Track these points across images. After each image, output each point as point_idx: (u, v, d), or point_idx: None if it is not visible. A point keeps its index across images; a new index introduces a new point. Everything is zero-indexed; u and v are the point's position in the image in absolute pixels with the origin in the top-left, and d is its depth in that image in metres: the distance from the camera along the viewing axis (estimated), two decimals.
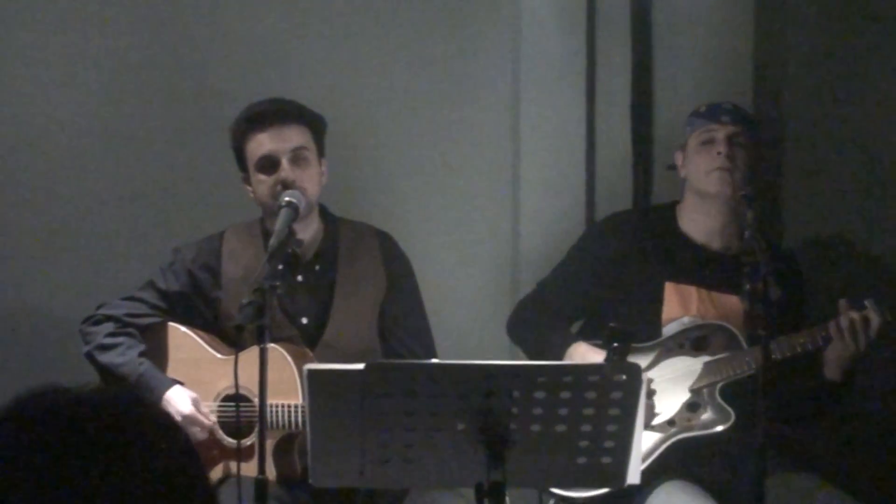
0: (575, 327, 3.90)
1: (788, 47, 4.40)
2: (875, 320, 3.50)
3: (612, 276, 3.77)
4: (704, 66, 4.28)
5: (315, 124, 3.66)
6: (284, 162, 3.57)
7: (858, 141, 4.34)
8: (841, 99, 4.35)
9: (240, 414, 3.46)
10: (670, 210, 3.87)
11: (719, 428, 3.59)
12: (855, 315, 3.50)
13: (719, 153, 3.69)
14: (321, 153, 3.67)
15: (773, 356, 3.41)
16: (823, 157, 4.38)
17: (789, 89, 4.41)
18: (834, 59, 4.35)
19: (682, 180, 3.84)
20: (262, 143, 3.60)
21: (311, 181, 3.60)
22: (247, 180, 3.67)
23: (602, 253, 3.80)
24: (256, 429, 3.23)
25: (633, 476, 2.84)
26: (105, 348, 3.64)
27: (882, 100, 4.31)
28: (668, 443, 3.61)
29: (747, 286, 3.17)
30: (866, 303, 3.53)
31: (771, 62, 4.37)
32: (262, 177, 3.60)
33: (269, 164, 3.59)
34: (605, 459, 2.74)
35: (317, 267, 3.71)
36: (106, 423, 1.46)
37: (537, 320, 3.84)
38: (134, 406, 1.49)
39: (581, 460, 2.74)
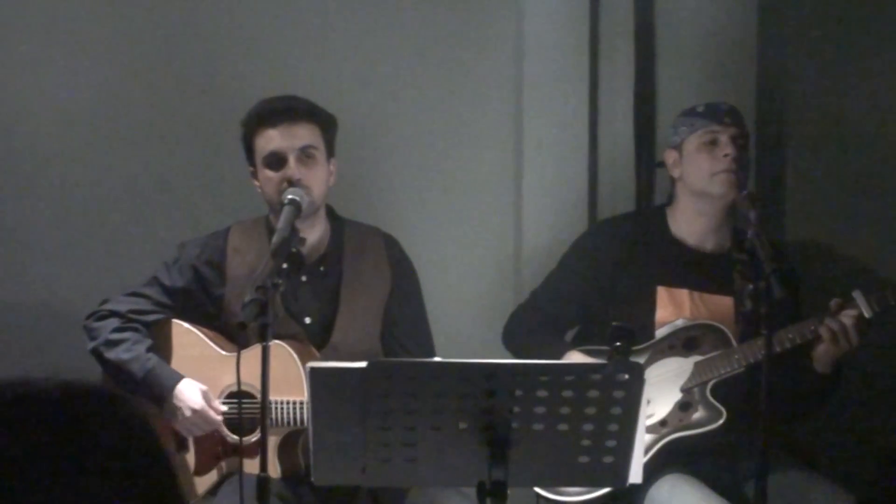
0: (569, 336, 3.91)
1: (791, 47, 4.40)
2: (859, 317, 3.51)
3: (605, 282, 3.78)
4: (707, 66, 4.27)
5: (326, 123, 3.66)
6: (292, 160, 3.57)
7: (861, 140, 4.34)
8: (843, 99, 4.34)
9: (244, 411, 3.47)
10: (660, 213, 3.87)
11: (711, 426, 3.62)
12: (844, 320, 3.51)
13: (726, 155, 3.69)
14: (330, 153, 3.67)
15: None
16: (826, 156, 4.38)
17: (792, 89, 4.41)
18: (837, 59, 4.35)
19: (674, 180, 3.83)
20: (270, 139, 3.60)
21: (317, 180, 3.60)
22: (254, 175, 3.67)
23: (594, 259, 3.82)
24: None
25: (636, 475, 2.84)
26: (112, 344, 3.63)
27: (884, 99, 4.31)
28: (662, 443, 3.65)
29: (750, 286, 3.17)
30: (854, 294, 3.55)
31: (774, 62, 4.37)
32: (269, 173, 3.60)
33: (277, 160, 3.59)
34: (608, 458, 2.74)
35: (322, 267, 3.71)
36: (69, 420, 1.41)
37: (532, 329, 3.86)
38: (104, 404, 1.44)
39: (583, 459, 2.74)
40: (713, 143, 3.72)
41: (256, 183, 3.68)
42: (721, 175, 3.69)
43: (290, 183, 3.53)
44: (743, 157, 3.73)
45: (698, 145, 3.73)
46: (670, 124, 3.87)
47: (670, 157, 3.82)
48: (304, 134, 3.60)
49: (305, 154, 3.59)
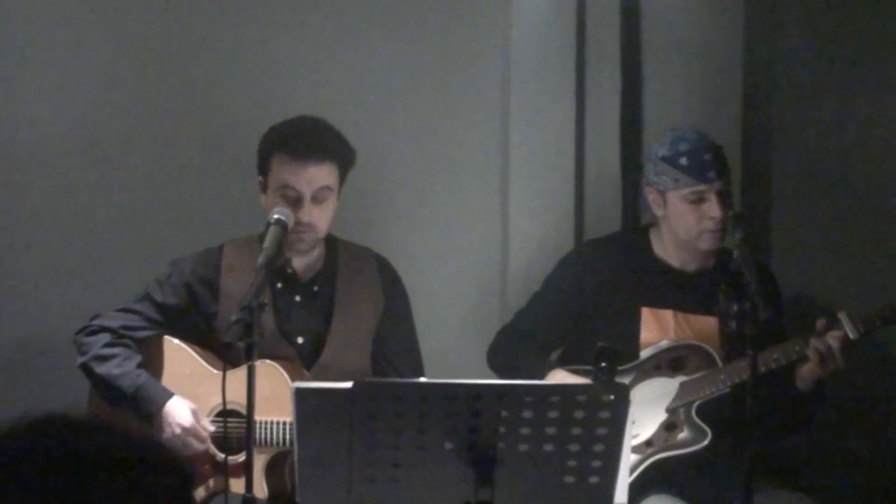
0: (553, 356, 3.92)
1: (778, 66, 4.40)
2: (844, 338, 3.50)
3: (589, 303, 3.79)
4: (694, 85, 4.27)
5: (345, 162, 3.65)
6: (306, 201, 3.56)
7: (848, 161, 4.34)
8: (831, 120, 4.35)
9: (233, 430, 3.46)
10: (644, 235, 3.86)
11: (696, 447, 3.64)
12: (830, 341, 3.51)
13: (713, 218, 3.65)
14: (341, 186, 3.66)
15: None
16: (812, 176, 4.38)
17: (778, 108, 4.41)
18: (823, 79, 4.36)
19: (657, 213, 3.78)
20: (290, 173, 3.57)
21: (324, 220, 3.60)
22: (263, 188, 3.66)
23: (578, 281, 3.82)
24: None
25: (621, 495, 2.85)
26: (102, 359, 3.63)
27: (873, 122, 4.31)
28: (647, 463, 3.66)
29: (735, 306, 3.17)
30: (839, 316, 3.54)
31: (760, 82, 4.37)
32: (279, 201, 3.57)
33: (292, 195, 3.57)
34: (593, 479, 2.75)
35: (315, 287, 3.71)
36: (107, 465, 1.42)
37: (516, 349, 3.86)
38: (147, 448, 1.46)
39: (569, 479, 2.75)
40: (699, 200, 3.67)
41: (263, 196, 3.67)
42: (707, 234, 3.67)
43: (297, 222, 3.52)
44: (728, 205, 3.67)
45: (684, 202, 3.69)
46: (649, 159, 3.81)
47: (651, 193, 3.77)
48: (323, 175, 3.58)
49: (319, 195, 3.58)
